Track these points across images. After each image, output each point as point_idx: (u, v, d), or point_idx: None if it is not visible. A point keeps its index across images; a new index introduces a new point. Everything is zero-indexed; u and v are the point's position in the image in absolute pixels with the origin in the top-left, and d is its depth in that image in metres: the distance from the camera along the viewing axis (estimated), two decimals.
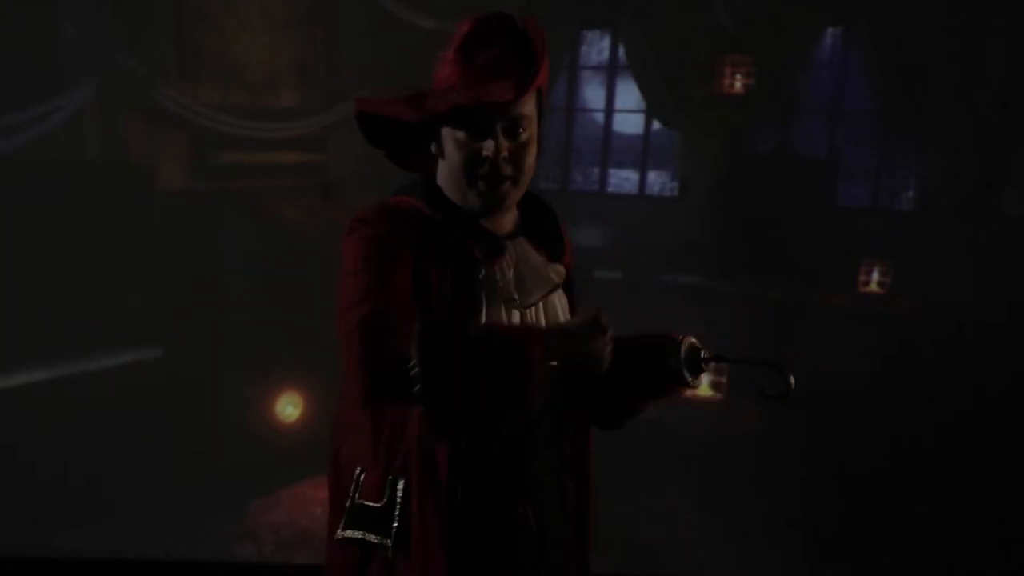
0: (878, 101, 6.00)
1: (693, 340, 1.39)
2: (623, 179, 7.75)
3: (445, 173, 1.37)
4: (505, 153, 1.31)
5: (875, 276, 5.68)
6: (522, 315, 1.36)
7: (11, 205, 4.04)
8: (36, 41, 4.31)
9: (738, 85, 6.03)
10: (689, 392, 1.46)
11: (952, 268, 5.16)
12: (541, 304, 1.39)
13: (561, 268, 1.44)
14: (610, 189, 7.37)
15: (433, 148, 1.37)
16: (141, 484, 3.77)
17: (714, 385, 4.96)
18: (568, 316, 1.42)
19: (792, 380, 1.35)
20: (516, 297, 1.35)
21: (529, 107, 1.33)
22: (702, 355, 1.40)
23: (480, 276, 1.34)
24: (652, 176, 7.29)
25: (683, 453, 4.14)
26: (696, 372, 1.40)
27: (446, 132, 1.33)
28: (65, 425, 3.86)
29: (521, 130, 1.32)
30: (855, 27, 5.93)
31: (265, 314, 4.83)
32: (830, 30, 6.17)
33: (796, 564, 3.59)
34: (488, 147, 1.30)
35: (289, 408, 4.56)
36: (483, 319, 1.32)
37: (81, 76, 4.39)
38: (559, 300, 1.43)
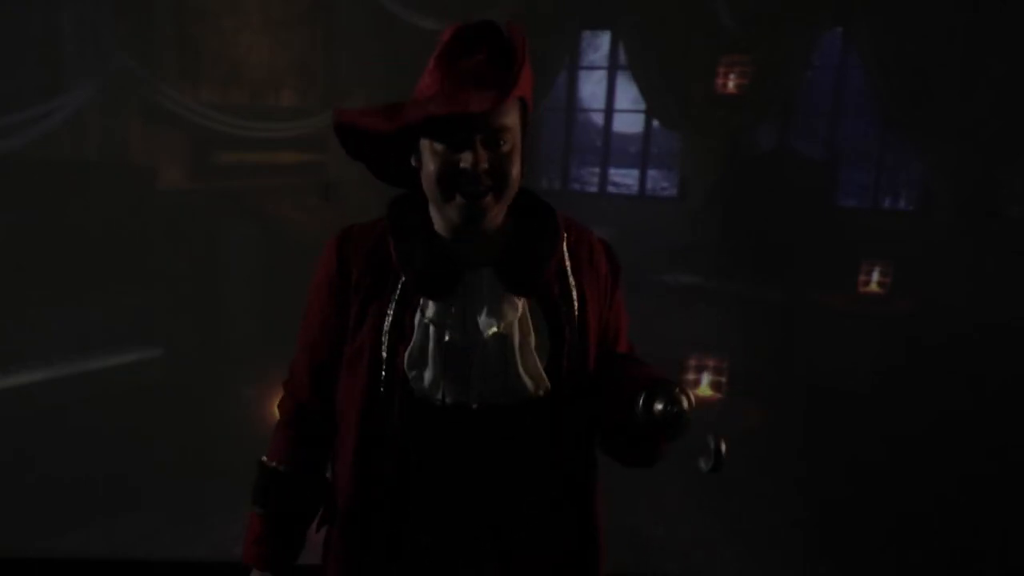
0: (878, 101, 6.01)
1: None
2: (623, 179, 7.76)
3: (425, 186, 1.31)
4: (485, 165, 1.23)
5: (875, 276, 5.67)
6: (462, 353, 1.30)
7: (11, 205, 4.03)
8: (36, 41, 4.31)
9: (731, 85, 6.03)
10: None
11: (952, 268, 5.16)
12: (492, 341, 1.30)
13: (519, 302, 1.32)
14: (610, 189, 7.38)
15: (413, 161, 1.31)
16: (141, 484, 3.77)
17: (714, 385, 4.96)
18: (533, 349, 1.32)
19: (724, 449, 1.26)
20: (449, 336, 1.29)
21: (511, 118, 1.24)
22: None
23: (418, 309, 1.31)
24: (652, 176, 7.30)
25: (684, 453, 4.13)
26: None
27: (424, 143, 1.26)
28: (65, 425, 3.86)
29: (502, 141, 1.24)
30: (855, 27, 5.93)
31: (265, 314, 4.83)
32: (830, 30, 6.17)
33: (797, 564, 3.59)
34: (466, 159, 1.22)
35: None
36: (412, 353, 1.30)
37: (81, 76, 4.39)
38: (516, 336, 1.31)
